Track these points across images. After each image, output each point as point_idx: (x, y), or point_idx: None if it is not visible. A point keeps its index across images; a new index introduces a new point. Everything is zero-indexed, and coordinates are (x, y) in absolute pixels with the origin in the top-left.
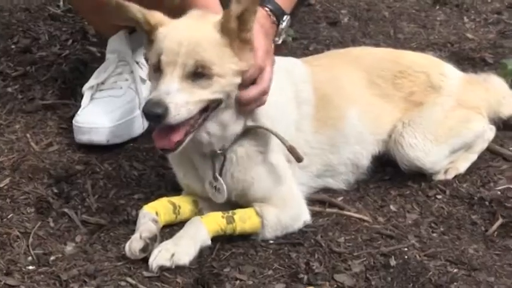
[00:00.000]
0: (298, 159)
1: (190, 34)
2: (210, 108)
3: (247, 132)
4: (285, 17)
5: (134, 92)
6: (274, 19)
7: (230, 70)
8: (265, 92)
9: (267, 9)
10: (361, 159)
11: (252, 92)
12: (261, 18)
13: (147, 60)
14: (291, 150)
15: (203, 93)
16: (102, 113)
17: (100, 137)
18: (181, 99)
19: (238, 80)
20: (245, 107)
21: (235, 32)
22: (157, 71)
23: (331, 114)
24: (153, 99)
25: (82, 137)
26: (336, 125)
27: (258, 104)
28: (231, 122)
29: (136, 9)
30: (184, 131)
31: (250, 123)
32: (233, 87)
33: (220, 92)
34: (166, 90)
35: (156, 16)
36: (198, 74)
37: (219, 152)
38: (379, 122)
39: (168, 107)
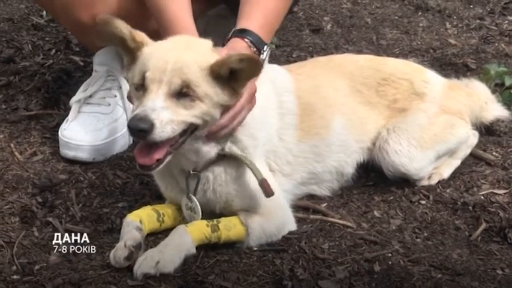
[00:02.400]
0: (267, 194)
1: (177, 54)
2: (188, 132)
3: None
4: (265, 48)
5: (122, 108)
6: (255, 50)
7: (211, 98)
8: (233, 118)
9: (247, 40)
10: (346, 167)
11: (222, 120)
12: (242, 50)
13: (127, 80)
14: (263, 184)
15: (186, 114)
16: (90, 131)
17: (86, 154)
18: (166, 117)
19: (216, 111)
20: (214, 134)
21: (223, 76)
22: (140, 89)
23: (315, 124)
24: (139, 114)
25: (68, 152)
26: (320, 133)
27: (227, 132)
28: (207, 146)
29: (122, 25)
30: (165, 150)
31: (227, 148)
32: (211, 115)
33: (200, 117)
34: (152, 107)
35: (141, 34)
36: (183, 93)
37: (192, 172)
38: (364, 130)
39: (154, 123)
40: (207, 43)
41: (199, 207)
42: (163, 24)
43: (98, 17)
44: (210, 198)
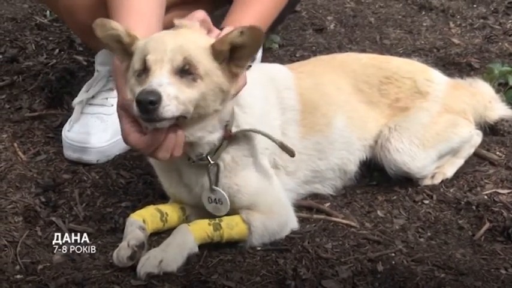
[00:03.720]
0: (291, 153)
1: (175, 36)
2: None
3: (233, 139)
4: None
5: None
6: None
7: (212, 78)
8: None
9: None
10: (349, 164)
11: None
12: None
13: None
14: (282, 146)
15: (189, 92)
16: (93, 133)
17: (90, 156)
18: (172, 92)
19: (215, 94)
20: None
21: (224, 55)
22: (141, 74)
23: (318, 121)
24: (146, 88)
25: (72, 154)
26: (322, 131)
27: None
28: (212, 128)
29: (116, 24)
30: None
31: (234, 129)
32: (210, 97)
33: (200, 98)
34: (158, 82)
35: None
36: (185, 71)
37: (212, 162)
38: (366, 128)
39: (162, 96)
40: (200, 29)
41: (226, 197)
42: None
43: (94, 23)
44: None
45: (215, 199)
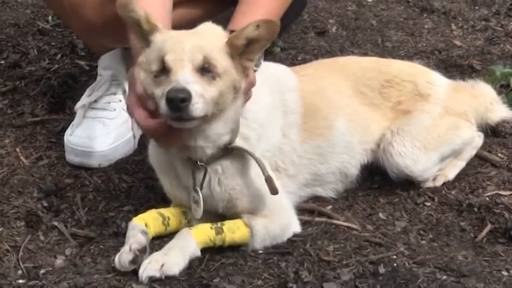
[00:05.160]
0: (274, 191)
1: (192, 37)
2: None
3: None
4: None
5: (127, 113)
6: None
7: (229, 75)
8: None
9: None
10: (350, 168)
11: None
12: None
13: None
14: (269, 180)
15: (211, 91)
16: (95, 137)
17: (92, 160)
18: (199, 90)
19: (230, 92)
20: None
21: (239, 50)
22: (160, 75)
23: (319, 124)
24: (175, 86)
25: (74, 159)
26: (323, 134)
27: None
28: (219, 134)
29: (139, 8)
30: None
31: (238, 141)
32: (227, 95)
33: (219, 96)
34: (186, 80)
35: (155, 18)
36: (205, 69)
37: (200, 164)
38: (367, 131)
39: (191, 93)
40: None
41: (201, 202)
42: None
43: (117, 2)
44: (215, 192)
45: (196, 200)
